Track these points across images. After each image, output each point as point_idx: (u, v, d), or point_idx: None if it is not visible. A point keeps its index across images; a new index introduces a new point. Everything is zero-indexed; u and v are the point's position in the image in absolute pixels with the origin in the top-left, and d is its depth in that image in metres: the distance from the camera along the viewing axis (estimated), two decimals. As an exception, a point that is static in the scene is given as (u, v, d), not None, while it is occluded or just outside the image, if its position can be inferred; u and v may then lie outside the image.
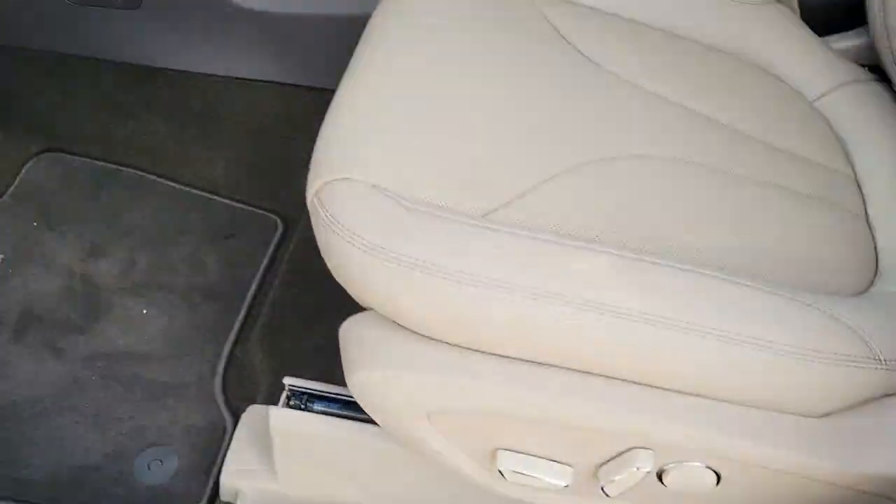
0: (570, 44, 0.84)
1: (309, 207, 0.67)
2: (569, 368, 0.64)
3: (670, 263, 0.64)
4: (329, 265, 0.67)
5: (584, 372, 0.64)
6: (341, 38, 1.21)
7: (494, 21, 0.83)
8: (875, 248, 0.76)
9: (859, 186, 0.83)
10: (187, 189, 1.23)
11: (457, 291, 0.61)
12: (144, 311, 1.08)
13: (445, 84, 0.75)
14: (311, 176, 0.68)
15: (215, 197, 1.23)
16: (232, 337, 1.06)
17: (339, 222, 0.64)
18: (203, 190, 1.23)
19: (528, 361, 0.64)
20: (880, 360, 0.62)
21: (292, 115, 1.25)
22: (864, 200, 0.81)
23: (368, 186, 0.65)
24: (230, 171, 1.25)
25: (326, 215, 0.65)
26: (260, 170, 1.25)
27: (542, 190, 0.69)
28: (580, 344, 0.62)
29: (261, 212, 1.22)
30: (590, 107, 0.77)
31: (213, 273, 1.14)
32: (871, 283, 0.73)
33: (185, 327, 1.07)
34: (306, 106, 1.26)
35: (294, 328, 1.07)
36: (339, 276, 0.66)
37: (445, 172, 0.68)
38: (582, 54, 0.83)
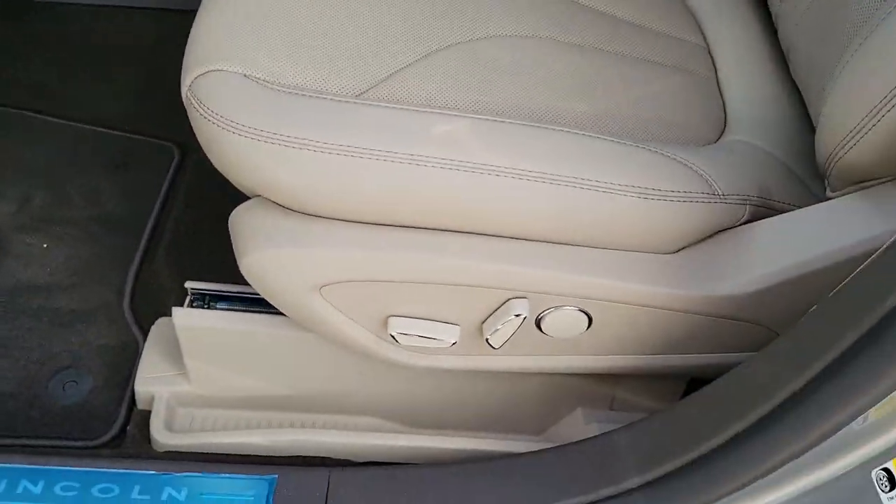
0: None
1: (185, 103, 0.70)
2: (445, 230, 0.68)
3: (528, 123, 0.69)
4: (210, 157, 0.70)
5: (459, 232, 0.69)
6: None
7: None
8: (724, 105, 0.83)
9: (710, 54, 0.89)
10: (77, 124, 1.22)
11: (332, 163, 0.64)
12: (45, 246, 1.09)
13: None
14: (183, 72, 0.70)
15: (107, 129, 1.22)
16: (136, 260, 1.07)
17: (212, 111, 0.66)
18: (93, 124, 1.22)
19: (406, 227, 0.68)
20: (718, 195, 0.69)
21: (175, 40, 1.24)
22: (714, 65, 0.88)
23: (240, 76, 0.68)
24: (117, 102, 1.24)
25: (201, 106, 0.67)
26: (148, 98, 1.24)
27: (409, 71, 0.72)
28: (451, 203, 0.66)
29: (154, 140, 1.22)
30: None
31: (112, 203, 1.14)
32: (720, 136, 0.80)
33: (87, 257, 1.08)
34: (185, 29, 1.26)
35: (197, 246, 1.09)
36: (221, 165, 0.69)
37: (316, 58, 0.70)
38: None
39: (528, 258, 0.69)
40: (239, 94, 0.67)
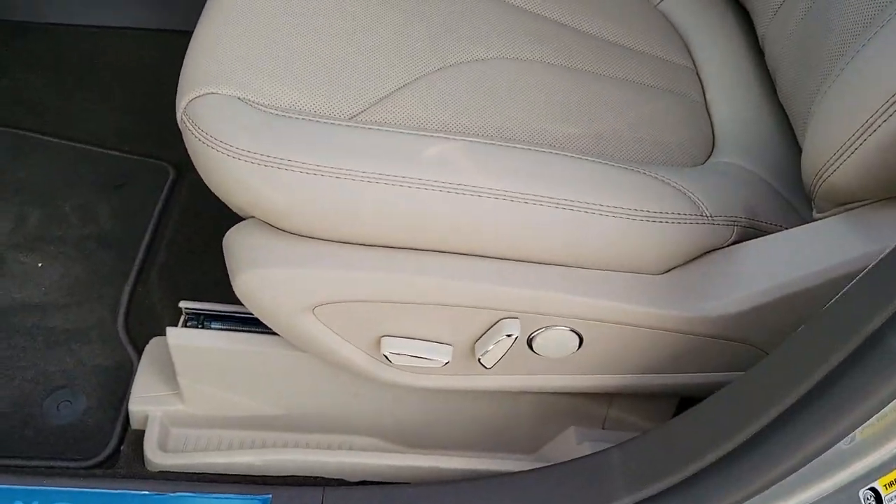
0: None
1: (180, 125, 0.70)
2: (437, 251, 0.69)
3: (518, 146, 0.70)
4: (205, 179, 0.71)
5: (451, 253, 0.69)
6: None
7: None
8: (712, 126, 0.84)
9: (699, 76, 0.91)
10: (73, 144, 1.23)
11: (324, 186, 0.65)
12: (40, 265, 1.09)
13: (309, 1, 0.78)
14: (178, 95, 0.71)
15: (102, 149, 1.23)
16: (131, 279, 1.08)
17: (207, 134, 0.67)
18: (89, 143, 1.23)
19: (400, 248, 0.69)
20: (707, 216, 0.70)
21: (171, 61, 1.26)
22: (703, 87, 0.89)
23: (233, 98, 0.69)
24: (115, 123, 1.25)
25: (196, 129, 0.68)
26: (145, 118, 1.25)
27: (403, 94, 0.73)
28: (442, 225, 0.67)
29: (150, 160, 1.23)
30: (446, 16, 0.82)
31: (107, 222, 1.15)
32: (709, 157, 0.81)
33: (82, 276, 1.08)
34: (182, 50, 1.27)
35: (191, 266, 1.09)
36: (215, 186, 0.70)
37: (309, 79, 0.71)
38: None
39: (518, 278, 0.69)
40: (233, 116, 0.68)
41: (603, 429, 0.89)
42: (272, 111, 0.68)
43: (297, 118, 0.68)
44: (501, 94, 0.76)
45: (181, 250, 1.11)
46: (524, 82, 0.78)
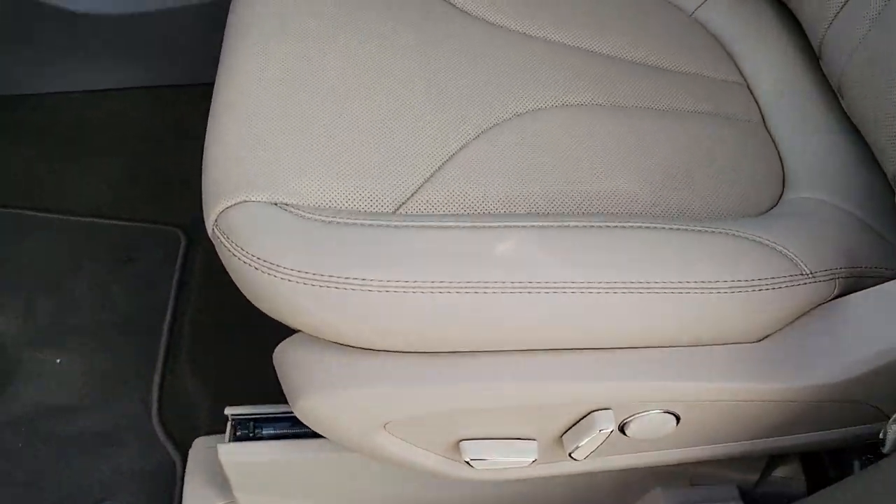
0: (446, 1, 0.80)
1: (212, 239, 0.63)
2: (514, 351, 0.62)
3: (591, 222, 0.63)
4: (247, 296, 0.63)
5: (530, 350, 0.62)
6: (198, 29, 1.14)
7: None
8: (779, 154, 0.77)
9: (751, 91, 0.83)
10: (73, 218, 1.15)
11: (381, 302, 0.58)
12: (58, 361, 1.02)
13: (325, 67, 0.70)
14: (205, 205, 0.63)
15: (105, 220, 1.15)
16: (158, 367, 1.01)
17: (248, 253, 0.59)
18: (90, 215, 1.15)
19: (472, 353, 0.62)
20: (807, 274, 0.63)
21: (165, 118, 1.18)
22: (758, 106, 0.82)
23: (268, 205, 0.61)
24: (114, 190, 1.17)
25: (231, 245, 0.60)
26: (145, 181, 1.17)
27: (447, 171, 0.66)
28: (519, 326, 0.60)
29: (158, 226, 1.15)
30: (481, 67, 0.74)
31: (122, 303, 1.07)
32: (783, 192, 0.74)
33: (106, 369, 1.01)
34: (177, 105, 1.19)
35: (220, 343, 1.02)
36: (256, 302, 0.63)
37: (342, 171, 0.64)
38: (460, 10, 0.80)
39: (606, 370, 0.63)
40: (272, 228, 0.60)
41: (691, 485, 0.83)
42: (313, 216, 0.61)
43: (337, 222, 0.60)
44: (555, 148, 0.69)
45: (207, 326, 1.04)
46: (579, 132, 0.71)
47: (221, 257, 0.62)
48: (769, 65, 0.85)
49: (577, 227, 0.62)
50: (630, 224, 0.63)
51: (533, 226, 0.61)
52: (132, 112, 1.19)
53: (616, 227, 0.63)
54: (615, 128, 0.72)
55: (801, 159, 0.75)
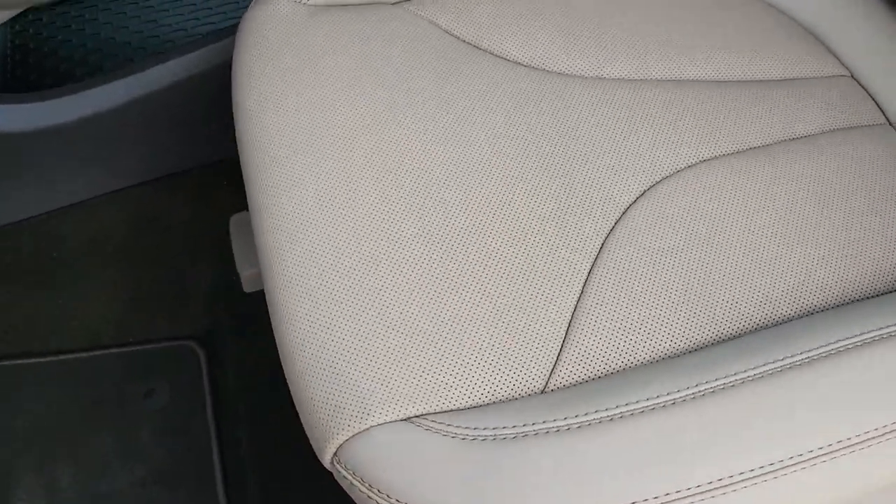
0: (495, 56, 0.66)
1: (336, 478, 0.49)
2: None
3: (797, 355, 0.49)
4: None
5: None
6: (147, 122, 0.98)
7: (397, 57, 0.64)
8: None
9: (857, 81, 0.72)
10: (70, 356, 0.98)
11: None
12: (101, 539, 0.87)
13: (398, 193, 0.56)
14: (313, 441, 0.49)
15: (108, 350, 0.98)
16: (223, 524, 0.87)
17: (395, 497, 0.46)
18: (89, 348, 0.98)
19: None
20: None
21: (138, 220, 1.01)
22: (872, 98, 0.70)
23: (403, 425, 0.47)
24: (110, 312, 1.00)
25: (370, 490, 0.46)
26: (143, 294, 1.00)
27: (590, 304, 0.52)
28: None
29: (169, 343, 0.99)
30: (569, 143, 0.60)
31: (157, 450, 0.92)
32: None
33: (160, 538, 0.87)
34: (147, 203, 1.01)
35: (286, 479, 0.88)
36: None
37: (474, 346, 0.50)
38: (513, 62, 0.66)
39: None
40: (417, 458, 0.46)
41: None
42: (454, 429, 0.46)
43: (494, 436, 0.46)
44: (718, 235, 0.56)
45: (266, 466, 0.90)
46: (730, 203, 0.58)
47: (352, 495, 0.49)
48: (868, 47, 0.73)
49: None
50: (860, 338, 0.50)
51: (750, 377, 0.48)
52: (101, 223, 1.01)
53: (802, 372, 0.48)
54: (766, 185, 0.60)
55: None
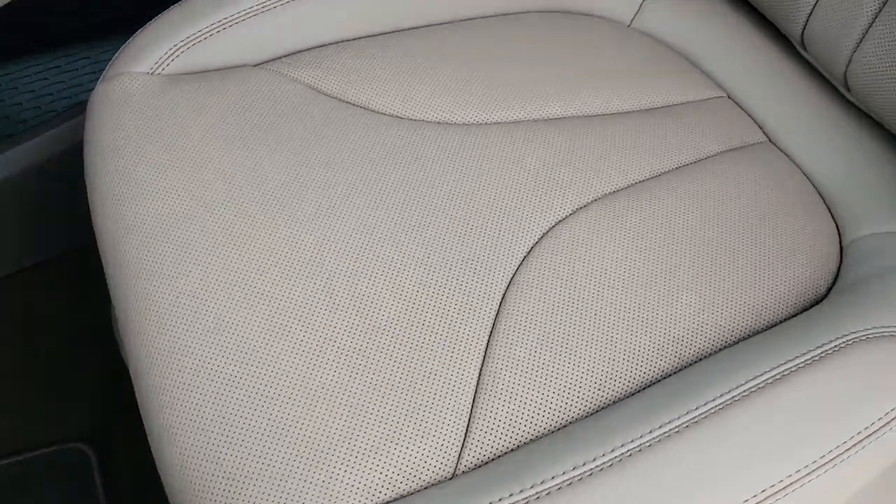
0: (367, 109, 0.64)
1: None
2: None
3: (680, 425, 0.45)
4: None
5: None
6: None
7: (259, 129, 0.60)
8: (817, 190, 0.65)
9: (734, 101, 0.72)
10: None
11: None
12: None
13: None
14: None
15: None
16: None
17: None
18: (-39, 470, 0.89)
19: None
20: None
21: (9, 313, 0.92)
22: (751, 116, 0.71)
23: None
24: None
25: None
26: (15, 400, 0.91)
27: (491, 372, 0.49)
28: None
29: (51, 450, 0.90)
30: (462, 190, 0.57)
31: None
32: (840, 236, 0.62)
33: None
34: (9, 299, 0.93)
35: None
36: None
37: (371, 441, 0.45)
38: (389, 115, 0.63)
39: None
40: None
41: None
42: None
43: None
44: (603, 290, 0.53)
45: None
46: (623, 244, 0.56)
47: None
48: (742, 66, 0.73)
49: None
50: (763, 379, 0.48)
51: (666, 433, 0.45)
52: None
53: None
54: (662, 221, 0.58)
55: (844, 187, 0.64)
